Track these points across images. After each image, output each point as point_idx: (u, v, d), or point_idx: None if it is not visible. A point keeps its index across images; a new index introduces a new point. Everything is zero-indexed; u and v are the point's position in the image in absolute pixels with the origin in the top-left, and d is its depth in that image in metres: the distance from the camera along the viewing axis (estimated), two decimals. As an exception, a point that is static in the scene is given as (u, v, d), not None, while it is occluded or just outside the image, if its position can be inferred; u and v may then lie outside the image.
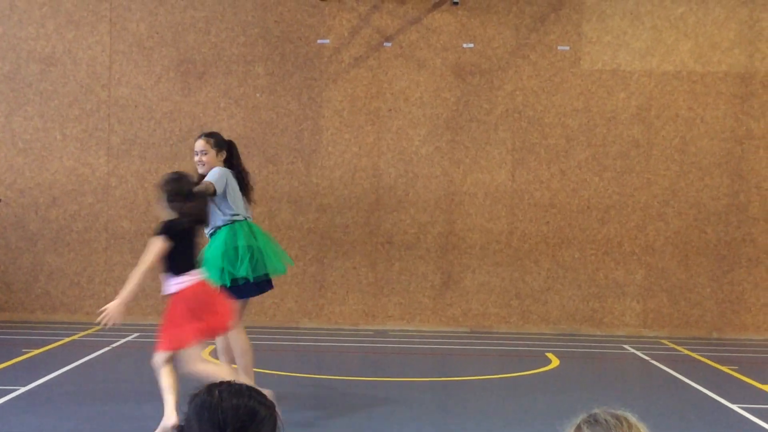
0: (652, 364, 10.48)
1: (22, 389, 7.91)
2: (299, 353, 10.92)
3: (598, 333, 12.86)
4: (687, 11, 12.89)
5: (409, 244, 12.93)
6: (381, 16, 12.91)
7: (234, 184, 7.33)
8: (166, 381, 6.06)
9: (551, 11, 12.89)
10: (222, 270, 7.15)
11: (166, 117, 12.88)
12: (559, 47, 12.89)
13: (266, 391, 2.33)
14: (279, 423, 2.16)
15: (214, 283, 7.14)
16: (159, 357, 6.13)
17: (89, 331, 11.60)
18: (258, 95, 12.90)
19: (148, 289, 12.85)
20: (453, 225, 12.93)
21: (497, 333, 12.76)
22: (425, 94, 12.92)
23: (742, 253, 12.89)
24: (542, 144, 12.92)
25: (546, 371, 9.84)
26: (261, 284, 7.43)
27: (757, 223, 12.88)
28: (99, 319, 5.91)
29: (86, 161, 12.86)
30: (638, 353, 11.22)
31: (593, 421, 2.15)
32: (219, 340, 7.50)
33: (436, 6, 12.91)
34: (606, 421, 2.14)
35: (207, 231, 7.49)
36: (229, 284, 7.16)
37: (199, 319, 6.11)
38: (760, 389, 8.98)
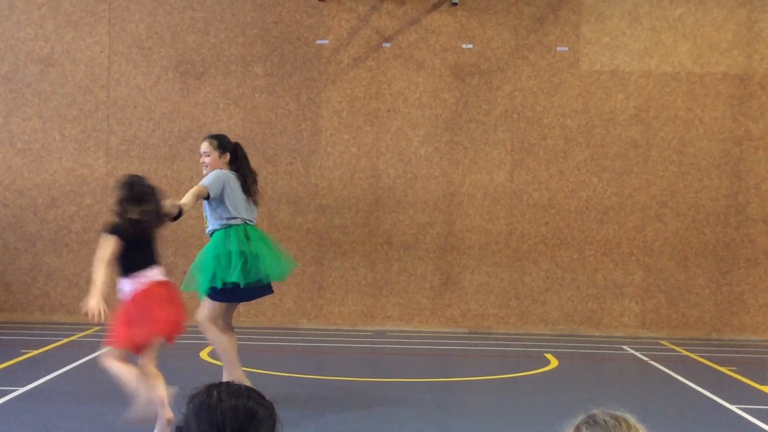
0: (651, 364, 10.49)
1: (21, 390, 7.91)
2: (298, 354, 10.92)
3: (597, 334, 12.87)
4: (685, 12, 12.90)
5: (408, 244, 12.93)
6: (380, 17, 12.91)
7: (235, 187, 7.30)
8: (125, 375, 6.15)
9: (550, 12, 12.89)
10: (213, 274, 7.15)
11: (165, 117, 12.88)
12: (557, 48, 12.89)
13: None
14: (278, 423, 2.16)
15: (198, 286, 7.21)
16: (108, 356, 6.21)
17: (88, 332, 11.60)
18: (257, 96, 12.90)
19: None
20: (452, 225, 12.94)
21: (496, 333, 12.76)
22: (424, 95, 12.92)
23: (740, 254, 12.89)
24: (541, 145, 12.93)
25: (545, 372, 9.84)
26: (253, 290, 7.40)
27: (755, 224, 12.89)
28: (90, 319, 5.99)
29: (85, 162, 12.86)
30: (637, 354, 11.22)
31: (592, 421, 2.15)
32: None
33: (435, 7, 12.91)
34: (605, 421, 2.14)
35: (207, 232, 7.51)
36: (219, 287, 7.17)
37: (149, 320, 6.18)
38: (759, 390, 8.98)
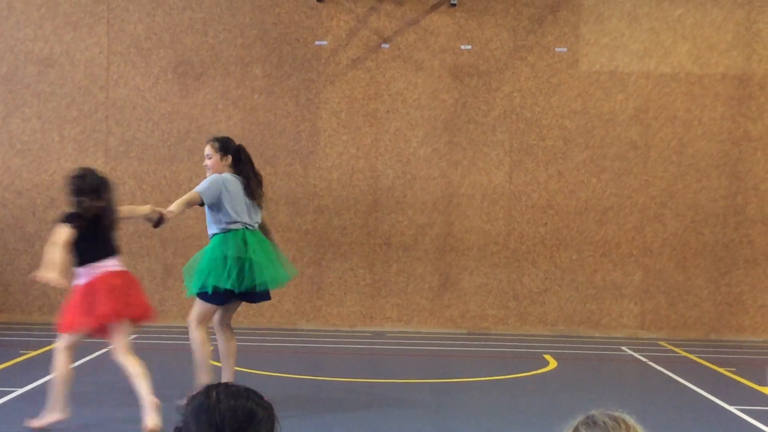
0: (650, 365, 10.49)
1: (20, 390, 7.91)
2: (297, 355, 10.92)
3: (596, 334, 12.87)
4: (685, 13, 12.91)
5: (406, 245, 12.93)
6: (378, 18, 12.91)
7: (235, 190, 7.21)
8: (58, 370, 6.43)
9: (549, 13, 12.89)
10: (206, 279, 7.14)
11: (163, 118, 12.87)
12: (556, 49, 12.90)
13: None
14: (277, 424, 2.16)
15: (188, 285, 7.28)
16: (58, 343, 6.51)
17: (87, 333, 11.58)
18: (256, 97, 12.90)
19: (145, 291, 12.85)
20: (451, 226, 12.94)
21: (495, 334, 12.76)
22: (423, 96, 12.92)
23: (739, 254, 12.90)
24: (540, 145, 12.93)
25: (543, 373, 9.84)
26: (250, 295, 7.36)
27: (754, 225, 12.89)
28: (41, 280, 6.23)
29: (84, 163, 12.83)
30: (636, 355, 11.22)
31: (591, 422, 2.15)
32: (220, 346, 7.49)
33: (433, 8, 12.91)
34: (604, 422, 2.14)
35: (209, 234, 7.48)
36: (210, 292, 7.16)
37: (93, 309, 6.38)
38: (758, 391, 8.99)
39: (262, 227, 7.70)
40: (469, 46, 12.91)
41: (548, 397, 8.43)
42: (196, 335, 7.27)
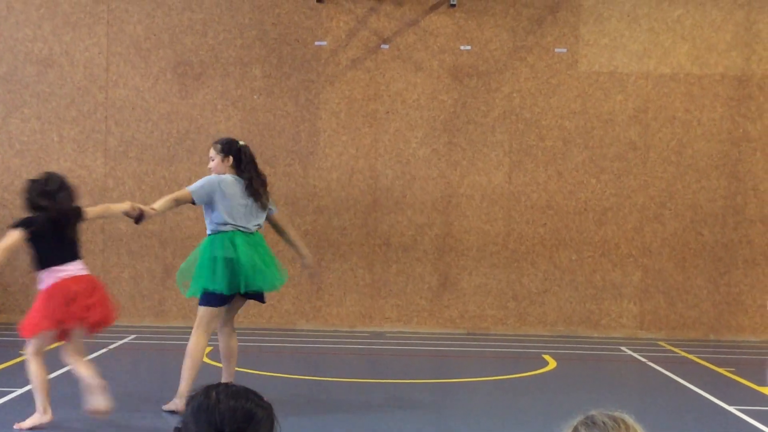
0: (649, 365, 10.49)
1: (19, 391, 7.91)
2: (296, 355, 10.92)
3: (595, 335, 12.87)
4: (684, 14, 12.91)
5: (406, 245, 12.93)
6: (378, 18, 12.91)
7: (232, 192, 7.14)
8: (32, 375, 6.50)
9: (548, 13, 12.90)
10: (198, 282, 7.12)
11: (163, 119, 12.87)
12: (556, 49, 12.90)
13: None
14: (276, 424, 2.16)
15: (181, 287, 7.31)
16: (28, 348, 6.57)
17: (86, 333, 11.58)
18: (255, 97, 12.90)
19: (145, 291, 12.87)
20: (450, 227, 12.94)
21: (494, 335, 12.76)
22: (422, 96, 12.92)
23: (738, 255, 12.90)
24: (539, 146, 12.93)
25: (543, 373, 9.84)
26: (240, 296, 7.32)
27: (753, 225, 12.90)
28: None
29: (83, 163, 12.86)
30: (635, 355, 11.23)
31: (590, 422, 2.15)
32: (221, 345, 7.47)
33: (433, 8, 12.91)
34: (603, 423, 2.14)
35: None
36: (198, 295, 7.15)
37: (58, 312, 6.44)
38: (757, 391, 8.99)
39: (276, 226, 7.67)
40: (468, 47, 12.92)
41: (547, 398, 8.43)
42: (193, 340, 7.23)
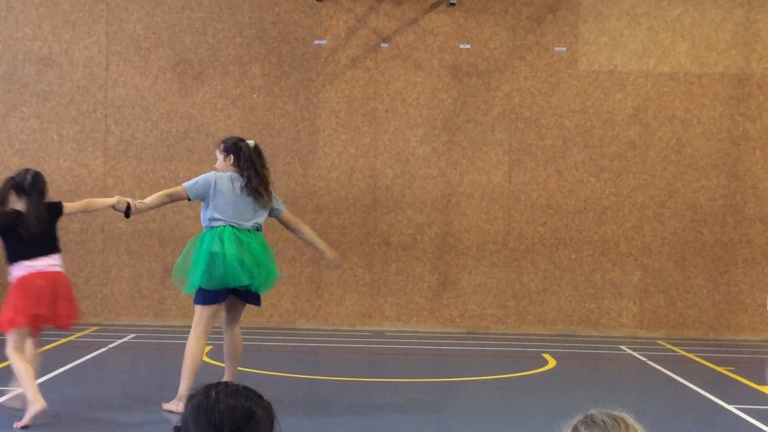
0: (649, 364, 10.49)
1: (19, 390, 7.89)
2: (296, 354, 10.92)
3: (595, 334, 12.87)
4: (683, 12, 12.91)
5: (405, 244, 12.93)
6: (378, 17, 12.91)
7: (225, 189, 7.09)
8: (18, 369, 6.53)
9: (548, 12, 12.89)
10: (190, 279, 7.13)
11: (162, 118, 12.87)
12: (555, 48, 12.90)
13: None
14: (276, 424, 2.16)
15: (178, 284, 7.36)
16: (7, 346, 6.61)
17: (86, 332, 11.59)
18: (255, 96, 12.90)
19: (144, 290, 12.86)
20: (450, 226, 12.94)
21: (494, 334, 12.76)
22: (422, 95, 12.92)
23: (738, 254, 12.90)
24: (539, 145, 12.93)
25: (542, 372, 9.84)
26: (238, 293, 7.27)
27: (753, 224, 12.90)
28: None
29: (83, 162, 12.86)
30: (635, 354, 11.23)
31: (590, 421, 2.15)
32: (225, 345, 7.46)
33: (432, 7, 12.91)
34: (603, 422, 2.14)
35: None
36: (189, 291, 7.16)
37: (29, 306, 6.50)
38: (757, 390, 8.99)
39: (288, 226, 7.65)
40: (468, 46, 12.91)
41: (547, 397, 8.43)
42: (191, 340, 7.21)
